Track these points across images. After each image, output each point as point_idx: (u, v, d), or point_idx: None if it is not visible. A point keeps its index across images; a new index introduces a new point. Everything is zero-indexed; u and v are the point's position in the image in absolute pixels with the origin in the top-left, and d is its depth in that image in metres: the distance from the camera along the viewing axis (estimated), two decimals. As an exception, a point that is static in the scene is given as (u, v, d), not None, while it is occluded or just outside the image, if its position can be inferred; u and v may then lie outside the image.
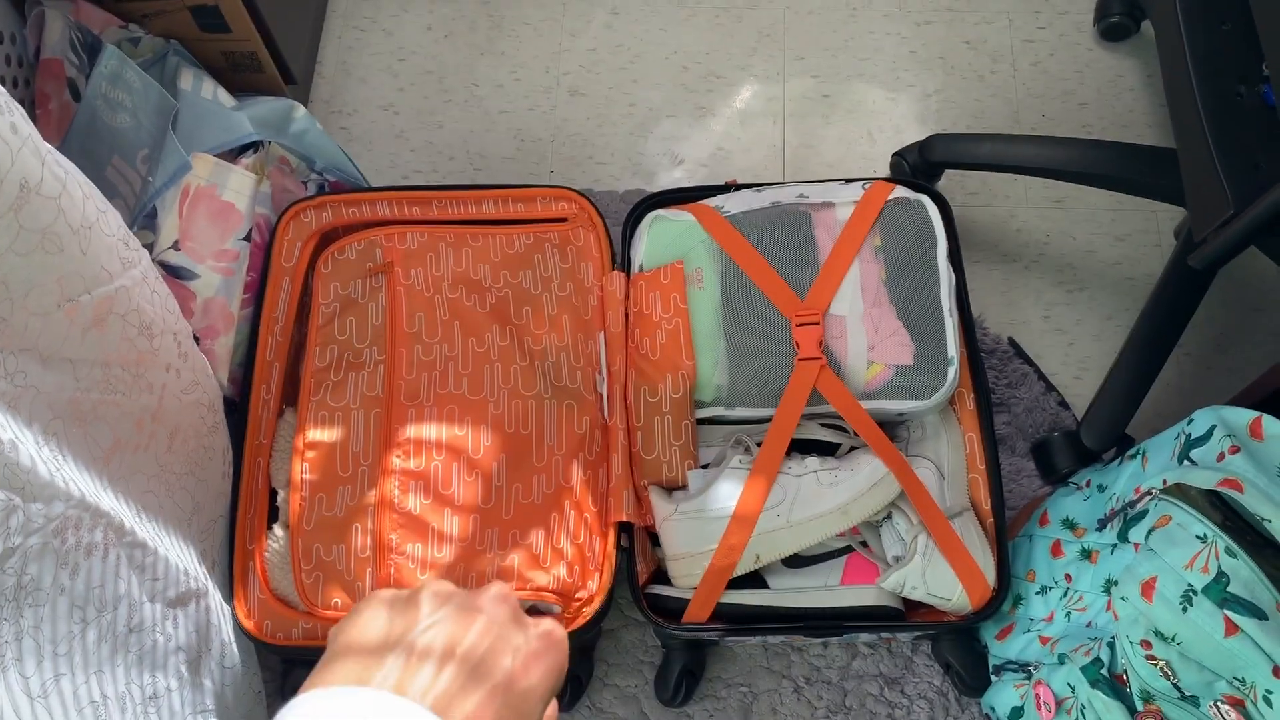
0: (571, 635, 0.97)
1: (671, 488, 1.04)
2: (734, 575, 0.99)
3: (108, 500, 0.77)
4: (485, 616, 0.46)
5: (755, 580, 1.03)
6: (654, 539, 1.05)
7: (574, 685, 1.07)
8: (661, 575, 1.05)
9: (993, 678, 1.03)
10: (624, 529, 1.02)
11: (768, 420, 1.02)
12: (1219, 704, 0.78)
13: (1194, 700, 0.80)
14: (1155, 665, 0.80)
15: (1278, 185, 0.78)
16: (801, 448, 1.03)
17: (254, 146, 1.10)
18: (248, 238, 1.06)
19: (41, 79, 1.09)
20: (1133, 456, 0.97)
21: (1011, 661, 1.00)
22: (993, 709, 1.01)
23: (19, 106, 0.65)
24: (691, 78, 1.41)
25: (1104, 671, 0.85)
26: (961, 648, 1.06)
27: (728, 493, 0.99)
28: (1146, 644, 0.80)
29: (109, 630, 0.79)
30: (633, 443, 1.04)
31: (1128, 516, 0.90)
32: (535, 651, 0.46)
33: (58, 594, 0.72)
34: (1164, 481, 0.85)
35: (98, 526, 0.75)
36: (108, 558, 0.77)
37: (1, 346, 0.67)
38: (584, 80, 1.41)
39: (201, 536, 0.97)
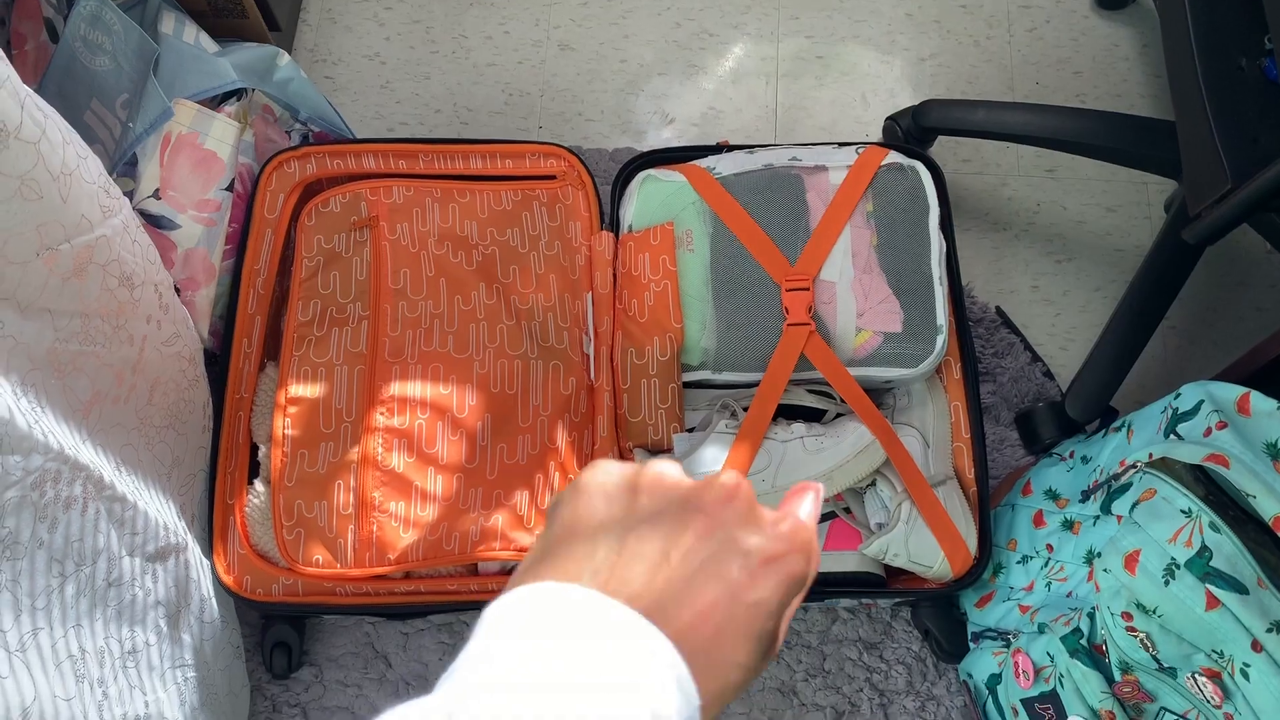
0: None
1: (656, 451, 1.03)
2: (717, 539, 0.99)
3: (87, 453, 0.76)
4: (706, 516, 0.39)
5: (738, 544, 1.02)
6: (638, 501, 1.05)
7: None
8: (644, 537, 1.04)
9: (971, 645, 1.04)
10: (608, 491, 1.01)
11: (755, 385, 1.02)
12: (1196, 676, 0.79)
13: (1171, 672, 0.80)
14: (1135, 637, 0.80)
15: (1276, 160, 0.78)
16: (788, 413, 1.03)
17: (237, 94, 1.07)
18: (230, 188, 1.04)
19: (18, 18, 1.06)
20: (1118, 429, 0.97)
21: (990, 629, 1.01)
22: (970, 675, 1.02)
23: (-3, 47, 0.63)
24: (684, 34, 1.39)
25: (1083, 641, 0.86)
26: (941, 615, 1.07)
27: (713, 457, 0.99)
28: (1127, 615, 0.81)
29: (88, 584, 0.78)
30: (618, 405, 1.03)
31: (1111, 489, 0.91)
32: (770, 555, 0.38)
33: (36, 548, 0.71)
34: (1150, 455, 0.85)
35: (76, 480, 0.74)
36: (86, 511, 0.76)
37: (-22, 295, 0.65)
38: (574, 34, 1.39)
39: (181, 490, 0.96)
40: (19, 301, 0.69)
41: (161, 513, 0.88)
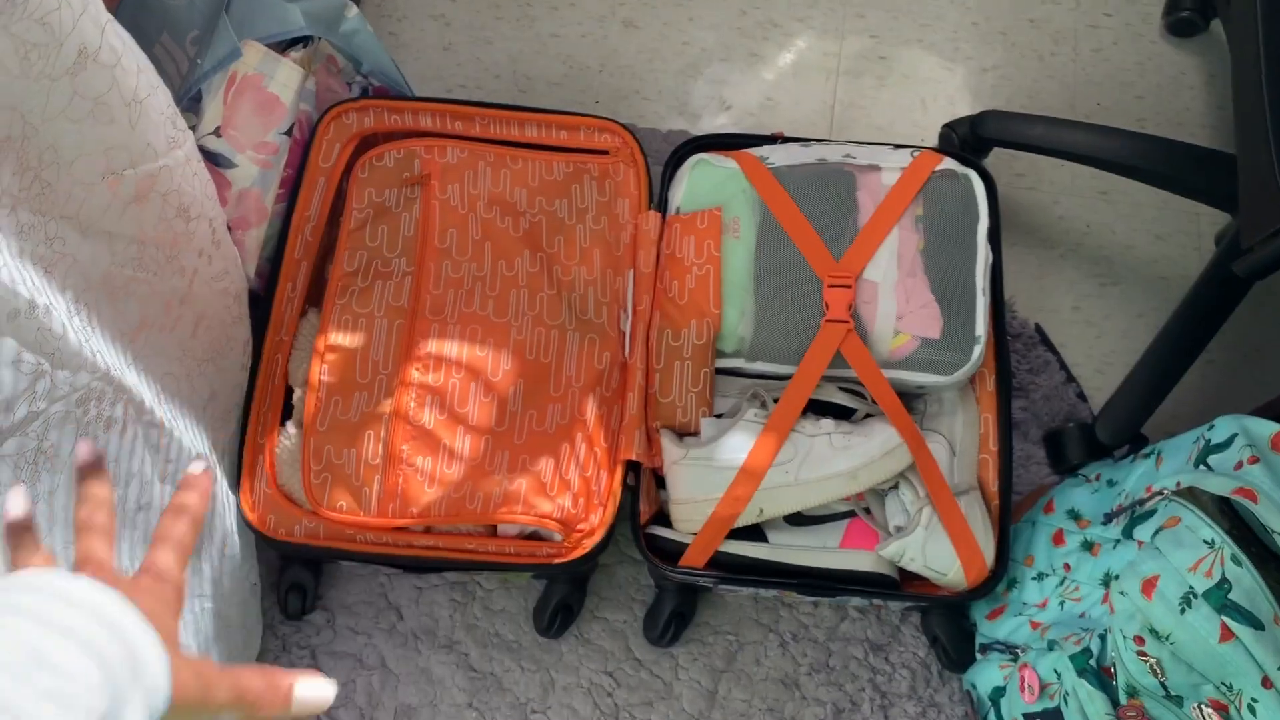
0: (568, 566, 0.98)
1: (683, 433, 1.04)
2: (735, 526, 0.99)
3: (131, 377, 0.78)
4: None
5: (755, 533, 1.03)
6: (659, 481, 1.05)
7: (564, 614, 1.08)
8: (662, 517, 1.05)
9: (978, 656, 1.05)
10: (632, 467, 1.02)
11: (786, 378, 1.02)
12: (1203, 706, 0.79)
13: (1178, 700, 0.80)
14: (1146, 662, 0.80)
15: (1336, 201, 0.77)
16: (817, 409, 1.03)
17: (304, 41, 1.09)
18: (289, 132, 1.05)
19: (97, -53, 1.07)
20: (1147, 455, 0.97)
21: (999, 642, 1.01)
22: (974, 686, 1.02)
23: (83, -30, 0.64)
24: (749, 23, 1.39)
25: (1092, 662, 0.86)
26: (950, 623, 1.07)
27: (738, 444, 1.00)
28: (1140, 640, 0.81)
29: (119, 505, 0.79)
30: (650, 384, 1.04)
31: (1135, 514, 0.91)
32: None
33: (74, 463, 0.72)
34: (1178, 483, 0.85)
35: (119, 401, 0.75)
36: (125, 433, 0.78)
37: (44, 211, 0.66)
38: (640, 12, 1.39)
39: (215, 425, 0.97)
40: (81, 221, 0.71)
41: (195, 443, 0.90)
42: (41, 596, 0.42)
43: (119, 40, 0.69)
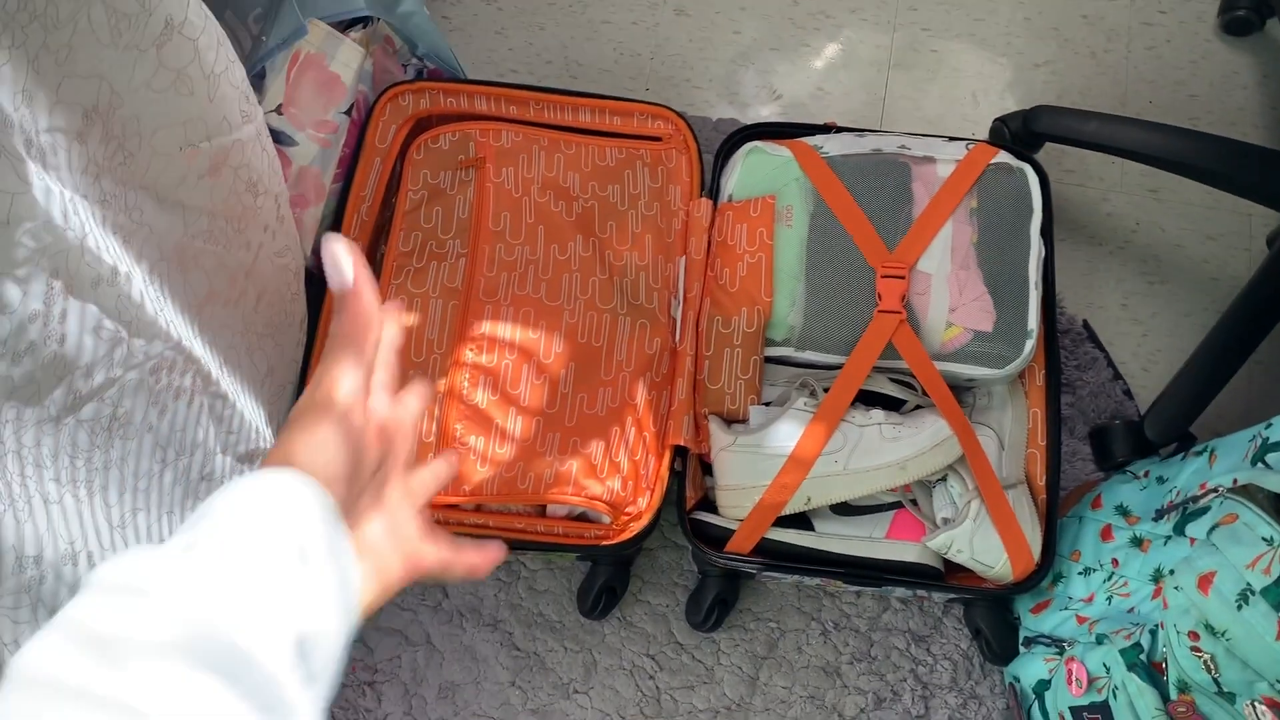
0: (614, 548, 0.99)
1: (731, 420, 1.04)
2: (782, 513, 1.00)
3: (198, 348, 0.79)
4: None
5: (801, 521, 1.04)
6: (706, 468, 1.06)
7: (608, 596, 1.09)
8: (707, 503, 1.06)
9: (1022, 649, 1.05)
10: (679, 453, 1.02)
11: (835, 368, 1.02)
12: (1256, 703, 0.79)
13: (1230, 697, 0.80)
14: (1199, 658, 0.80)
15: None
16: (866, 400, 1.03)
17: (363, 21, 1.09)
18: (348, 112, 1.06)
19: (163, -76, 1.08)
20: (1199, 453, 0.97)
21: (1044, 636, 1.01)
22: (1017, 679, 1.03)
23: (171, -57, 0.65)
24: (800, 13, 1.39)
25: (1142, 657, 0.86)
26: (994, 616, 1.07)
27: (787, 432, 1.00)
28: (1194, 635, 0.81)
29: (184, 474, 0.81)
30: (699, 370, 1.04)
31: (1187, 510, 0.91)
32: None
33: (145, 431, 0.74)
34: (1234, 481, 0.85)
35: (188, 371, 0.76)
36: (193, 403, 0.79)
37: (126, 180, 0.67)
38: (691, 0, 1.39)
39: (272, 399, 0.98)
40: (158, 192, 0.72)
41: (254, 416, 0.91)
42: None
43: (201, 15, 0.70)
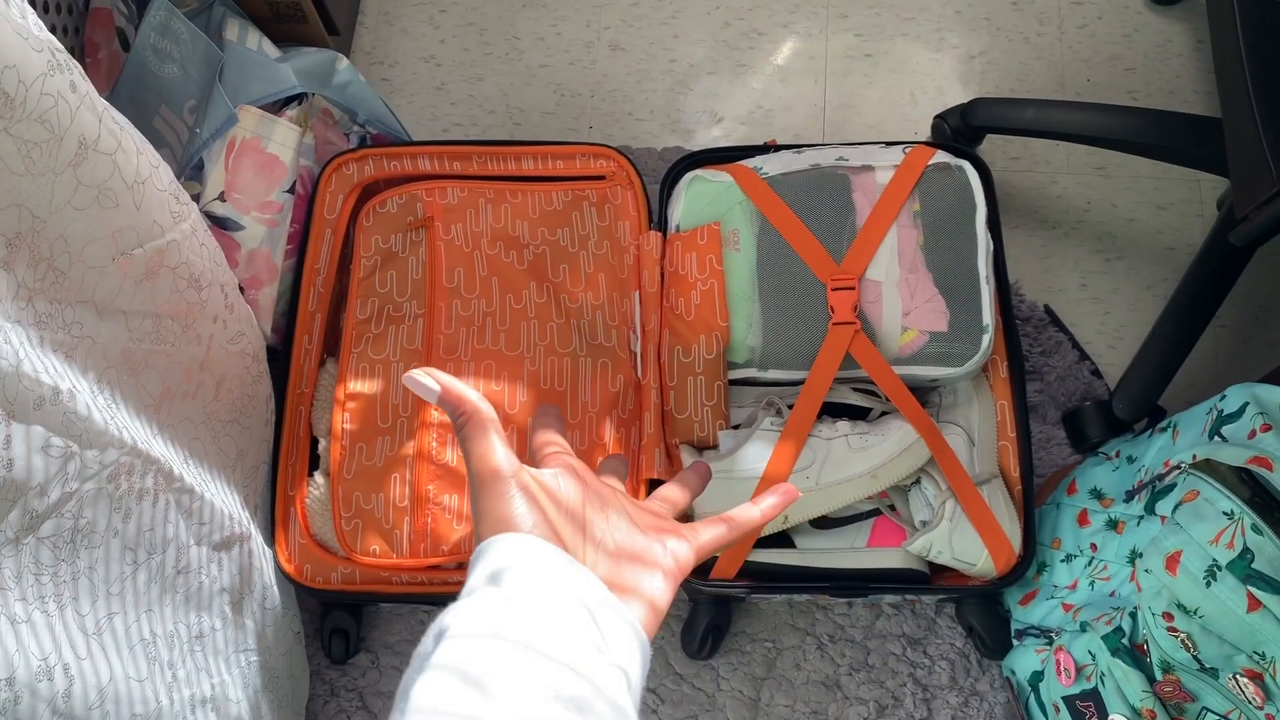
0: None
1: (703, 447, 1.05)
2: (762, 535, 1.01)
3: (158, 447, 0.80)
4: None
5: (783, 540, 1.04)
6: (684, 496, 1.07)
7: (602, 635, 1.10)
8: (690, 532, 1.06)
9: (1014, 642, 1.05)
10: (654, 487, 1.03)
11: (799, 383, 1.03)
12: (1237, 676, 0.79)
13: (1213, 672, 0.81)
14: (1176, 637, 0.81)
15: (1324, 163, 0.78)
16: (833, 411, 1.04)
17: (298, 98, 1.11)
18: (291, 189, 1.08)
19: (91, 28, 1.10)
20: (1163, 429, 0.97)
21: (1034, 627, 1.02)
22: (1013, 672, 1.03)
23: (77, 64, 0.66)
24: (733, 34, 1.40)
25: (1124, 641, 0.87)
26: (984, 611, 1.07)
27: (757, 454, 1.01)
28: (1168, 616, 0.81)
29: (158, 572, 0.82)
30: (665, 401, 1.05)
31: (1155, 489, 0.91)
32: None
33: (111, 536, 0.75)
34: (1194, 456, 0.85)
35: (149, 473, 0.78)
36: (158, 502, 0.80)
37: (60, 299, 0.69)
38: (625, 35, 1.41)
39: (245, 482, 1.00)
40: (96, 303, 0.73)
41: (227, 503, 0.92)
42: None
43: (116, 125, 0.71)
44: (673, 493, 0.63)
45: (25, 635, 0.66)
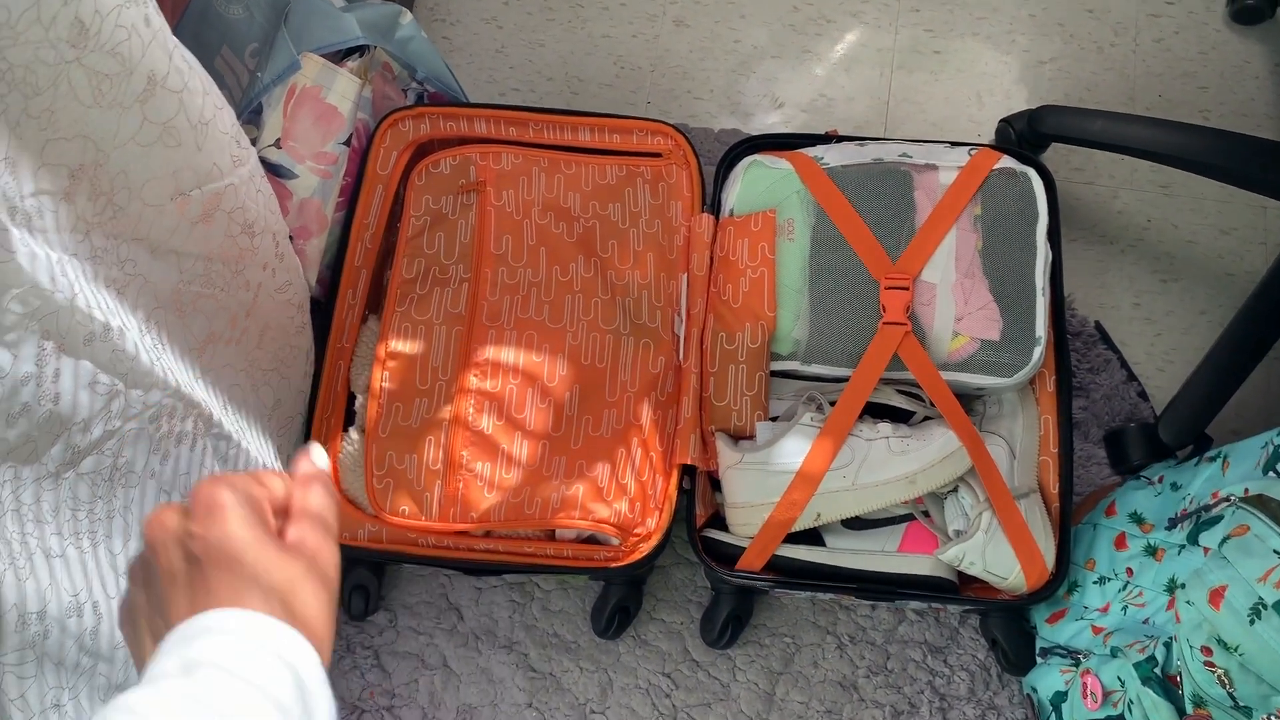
0: (624, 569, 0.99)
1: (739, 436, 1.04)
2: (792, 530, 0.99)
3: (200, 391, 0.80)
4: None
5: (812, 536, 1.03)
6: (715, 484, 1.06)
7: (622, 616, 1.09)
8: (718, 520, 1.05)
9: (1038, 659, 1.04)
10: (687, 471, 1.02)
11: (842, 380, 1.02)
12: (1272, 717, 0.77)
13: (1247, 711, 0.79)
14: (1213, 672, 0.79)
15: None
16: (874, 412, 1.03)
17: (359, 50, 1.10)
18: (348, 142, 1.07)
19: (158, -38, 1.09)
20: (1212, 459, 0.95)
21: (1060, 646, 1.01)
22: (1035, 690, 1.02)
23: (151, -2, 0.65)
24: (800, 19, 1.38)
25: (1157, 670, 0.85)
26: (1010, 626, 1.06)
27: (795, 448, 1.00)
28: (1207, 650, 0.80)
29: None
30: (705, 387, 1.04)
31: (1200, 519, 0.89)
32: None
33: (148, 478, 0.74)
34: (1245, 490, 0.83)
35: (189, 416, 0.77)
36: (195, 446, 0.79)
37: (117, 234, 0.68)
38: (690, 11, 1.39)
39: (280, 432, 0.99)
40: (151, 242, 0.73)
41: (261, 452, 0.92)
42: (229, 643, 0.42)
43: (185, 64, 0.70)
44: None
45: (59, 570, 0.65)
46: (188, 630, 0.42)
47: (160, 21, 0.66)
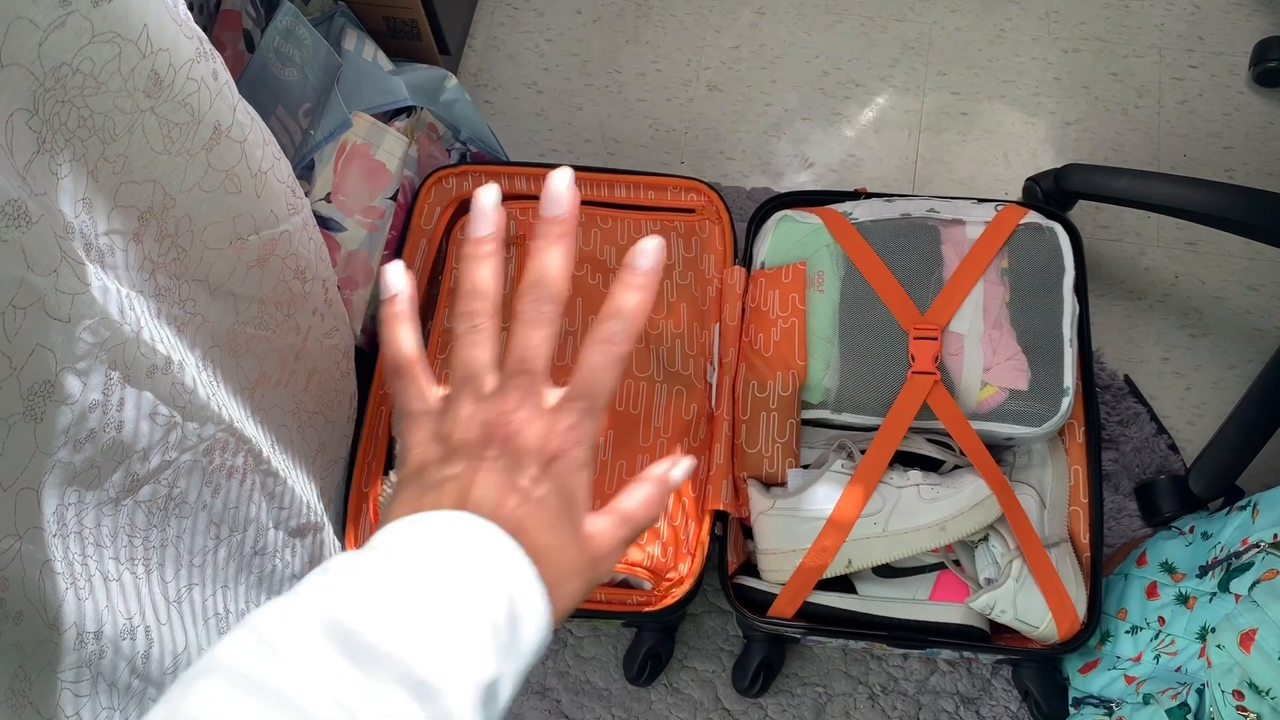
0: (657, 614, 1.00)
1: (770, 483, 1.06)
2: (823, 577, 1.00)
3: (250, 428, 0.83)
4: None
5: (843, 584, 1.04)
6: (747, 531, 1.07)
7: (654, 663, 1.10)
8: (750, 567, 1.07)
9: (1071, 709, 1.03)
10: (719, 518, 1.04)
11: (872, 429, 1.03)
12: (1307, 764, 0.77)
13: (1281, 757, 0.79)
14: (1245, 716, 0.79)
15: None
16: (904, 460, 1.04)
17: (407, 111, 1.15)
18: (394, 197, 1.11)
19: (220, 28, 1.15)
20: (1243, 508, 0.96)
21: (1093, 696, 1.00)
22: (1068, 741, 1.01)
23: (219, 55, 0.70)
24: (831, 83, 1.42)
25: (1190, 716, 0.85)
26: (1043, 677, 1.06)
27: (825, 495, 1.01)
28: (1239, 694, 0.80)
29: (237, 550, 0.84)
30: (736, 435, 1.06)
31: (1231, 566, 0.90)
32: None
33: (199, 509, 0.77)
34: (1275, 535, 0.84)
35: (240, 451, 0.80)
36: (245, 481, 0.82)
37: (179, 275, 0.72)
38: (723, 76, 1.44)
39: (323, 474, 1.02)
40: (210, 283, 0.76)
41: (305, 492, 0.94)
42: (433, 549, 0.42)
43: (247, 117, 0.74)
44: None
45: (115, 593, 0.68)
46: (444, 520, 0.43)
47: (226, 76, 0.70)
